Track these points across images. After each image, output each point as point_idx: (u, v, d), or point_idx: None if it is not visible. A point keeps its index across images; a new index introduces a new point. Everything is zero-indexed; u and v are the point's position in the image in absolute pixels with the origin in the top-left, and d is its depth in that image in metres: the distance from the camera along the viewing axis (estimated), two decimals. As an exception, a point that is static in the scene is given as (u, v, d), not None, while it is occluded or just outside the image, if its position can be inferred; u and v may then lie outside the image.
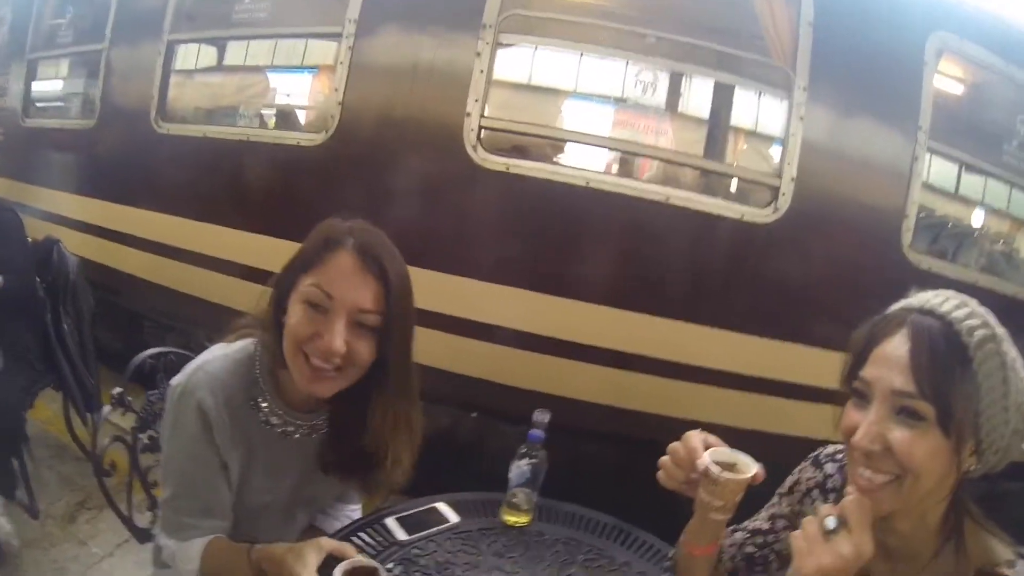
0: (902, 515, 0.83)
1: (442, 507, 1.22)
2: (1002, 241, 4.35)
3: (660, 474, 0.96)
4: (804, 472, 1.06)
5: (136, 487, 1.36)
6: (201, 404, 0.97)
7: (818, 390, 2.09)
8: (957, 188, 4.68)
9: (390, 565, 1.04)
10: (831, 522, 0.78)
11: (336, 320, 0.92)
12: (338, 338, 0.91)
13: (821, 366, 2.08)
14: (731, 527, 1.09)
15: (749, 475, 0.88)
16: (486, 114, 2.02)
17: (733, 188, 2.44)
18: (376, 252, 0.94)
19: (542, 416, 1.18)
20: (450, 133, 1.99)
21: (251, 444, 1.04)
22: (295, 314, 0.94)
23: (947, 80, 2.62)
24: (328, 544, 0.93)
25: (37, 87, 3.75)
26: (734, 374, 2.12)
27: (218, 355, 1.04)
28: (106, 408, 1.33)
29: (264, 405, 1.03)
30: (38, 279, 2.25)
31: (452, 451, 1.82)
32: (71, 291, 2.28)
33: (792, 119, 2.11)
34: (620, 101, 2.45)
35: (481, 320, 2.06)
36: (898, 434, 0.77)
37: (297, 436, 1.07)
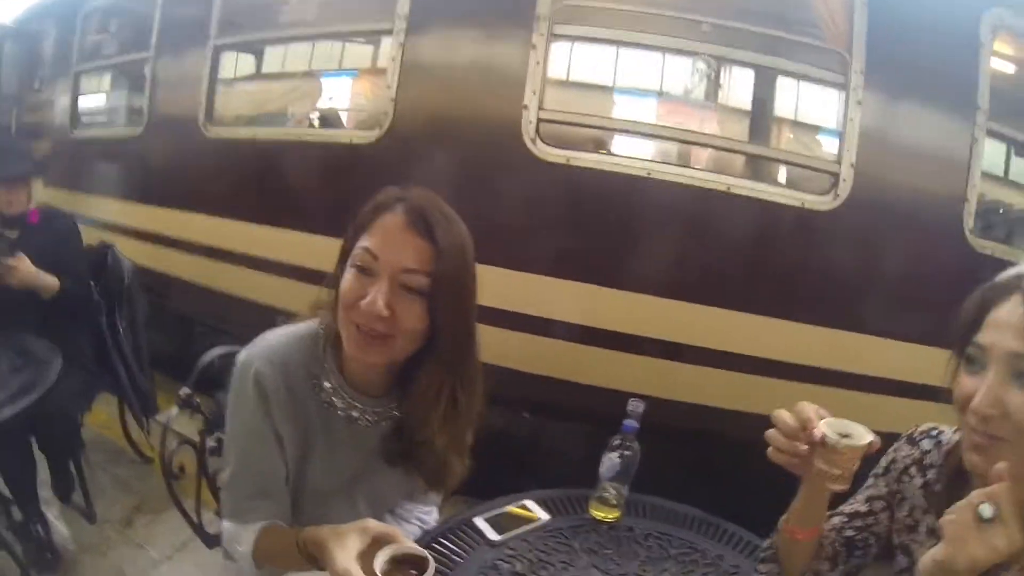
0: (1014, 478, 0.80)
1: (531, 504, 1.20)
2: None
3: (770, 450, 0.93)
4: (900, 451, 1.06)
5: (204, 491, 1.34)
6: (258, 375, 0.96)
7: (881, 380, 2.05)
8: (1007, 171, 4.59)
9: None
10: (987, 510, 0.73)
11: (381, 281, 0.88)
12: (380, 298, 0.87)
13: (884, 356, 2.10)
14: (828, 511, 1.07)
15: (867, 442, 0.87)
16: (543, 107, 1.99)
17: (782, 178, 2.39)
18: (425, 213, 0.91)
19: (636, 406, 1.15)
20: (508, 127, 1.97)
21: (310, 423, 1.01)
22: (345, 280, 0.92)
23: (1001, 59, 2.54)
24: (374, 527, 0.87)
25: (83, 100, 3.83)
26: (796, 365, 2.07)
27: (280, 331, 1.03)
28: (173, 410, 1.31)
29: (327, 385, 1.01)
30: (93, 283, 2.27)
31: (507, 452, 1.79)
32: (126, 295, 2.30)
33: (850, 104, 2.06)
34: (665, 94, 2.43)
35: (542, 315, 2.03)
36: (1017, 398, 0.78)
37: (361, 422, 1.03)
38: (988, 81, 2.12)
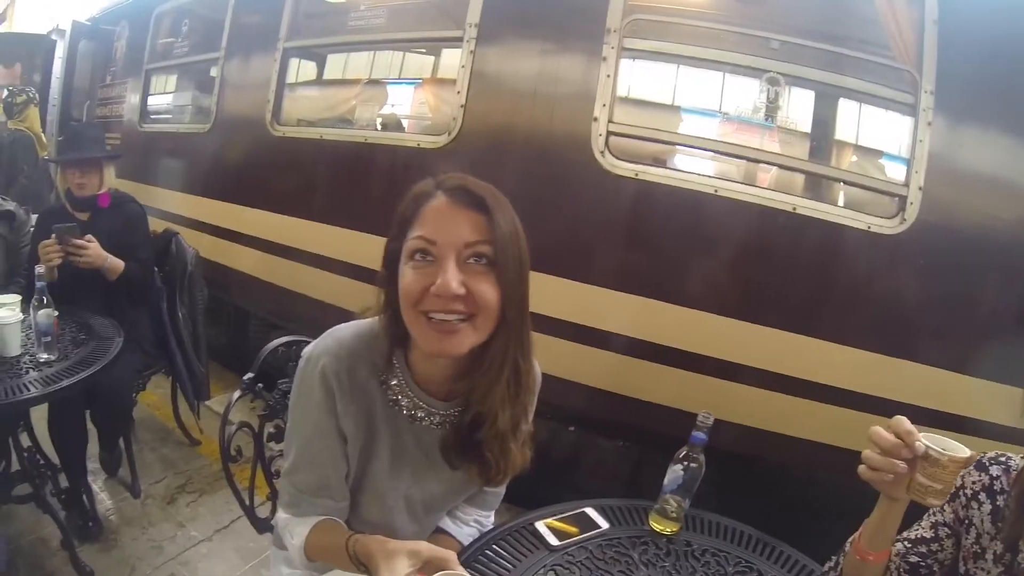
0: None
1: (591, 512, 1.18)
2: None
3: (862, 468, 0.91)
4: (968, 476, 1.04)
5: (260, 478, 1.35)
6: (324, 368, 0.95)
7: (944, 415, 1.95)
8: None
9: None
10: None
11: (446, 262, 0.86)
12: (452, 278, 0.85)
13: (948, 389, 1.99)
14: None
15: (968, 454, 0.85)
16: (612, 120, 1.99)
17: (841, 201, 2.33)
18: (468, 188, 0.89)
19: (706, 418, 1.12)
20: (577, 138, 1.97)
21: (374, 422, 1.00)
22: (406, 275, 0.89)
23: None
24: (427, 551, 0.84)
25: (152, 98, 4.00)
26: (857, 393, 1.99)
27: (349, 325, 1.01)
28: (235, 393, 1.32)
29: (394, 383, 0.99)
30: (156, 269, 2.35)
31: (551, 465, 1.77)
32: (188, 282, 2.37)
33: (919, 124, 2.00)
34: (728, 113, 2.40)
35: (603, 328, 2.02)
36: None
37: (425, 422, 1.02)
38: None
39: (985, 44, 2.03)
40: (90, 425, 2.05)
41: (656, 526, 1.18)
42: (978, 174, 2.06)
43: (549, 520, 1.13)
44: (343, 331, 1.00)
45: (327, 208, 2.58)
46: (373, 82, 2.91)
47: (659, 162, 2.12)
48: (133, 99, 4.02)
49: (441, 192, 0.90)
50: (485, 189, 0.90)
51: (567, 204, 2.06)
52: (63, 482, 1.98)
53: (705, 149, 2.14)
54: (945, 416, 1.97)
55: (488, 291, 0.88)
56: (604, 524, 1.16)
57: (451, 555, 0.84)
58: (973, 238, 2.05)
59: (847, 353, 2.03)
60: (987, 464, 1.03)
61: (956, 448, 0.85)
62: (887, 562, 1.03)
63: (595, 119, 1.98)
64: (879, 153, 2.55)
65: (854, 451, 0.94)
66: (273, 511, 1.36)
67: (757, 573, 1.14)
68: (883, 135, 2.52)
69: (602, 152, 1.93)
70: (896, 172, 2.15)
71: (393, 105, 2.86)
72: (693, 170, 2.05)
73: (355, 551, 0.89)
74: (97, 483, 2.23)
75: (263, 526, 1.36)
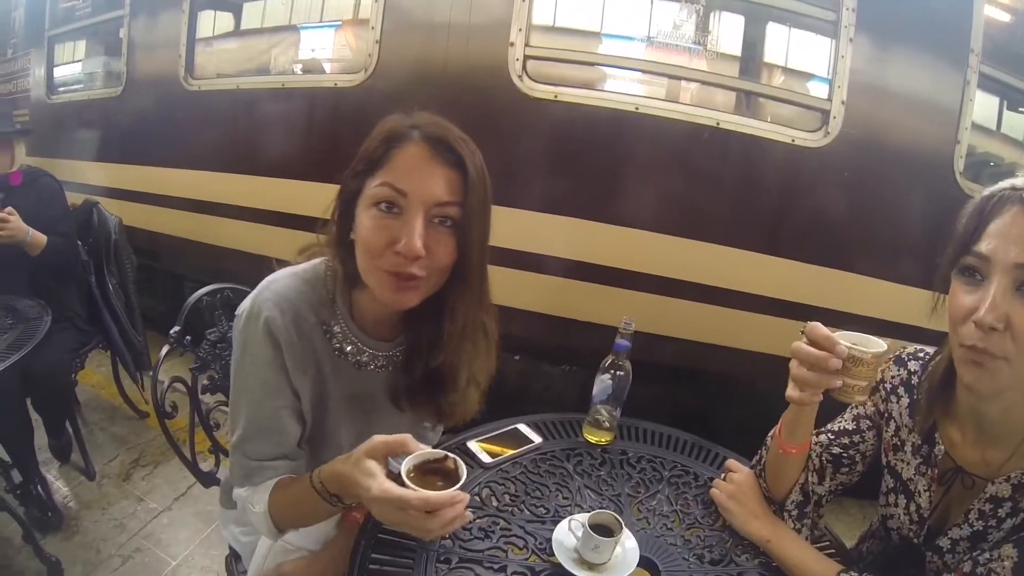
0: (1007, 392, 0.83)
1: (524, 428, 1.20)
2: None
3: (790, 391, 0.92)
4: (888, 371, 1.06)
5: (199, 432, 1.33)
6: (269, 323, 0.88)
7: (867, 319, 2.04)
8: (999, 125, 4.60)
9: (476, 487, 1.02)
10: None
11: (413, 218, 0.81)
12: (417, 238, 0.81)
13: (871, 295, 2.09)
14: (816, 430, 1.09)
15: (886, 346, 0.86)
16: (529, 44, 1.96)
17: (767, 117, 2.37)
18: (448, 140, 0.84)
19: (628, 324, 1.13)
20: (494, 64, 1.93)
21: (323, 373, 0.95)
22: (366, 222, 0.83)
23: (995, 7, 2.50)
24: (382, 443, 0.81)
25: (60, 68, 3.73)
26: (783, 301, 2.06)
27: (286, 274, 0.95)
28: (164, 349, 1.28)
29: (337, 330, 0.95)
30: (80, 242, 2.25)
31: (498, 396, 1.80)
32: (113, 251, 2.27)
33: (841, 41, 2.03)
34: (654, 38, 2.38)
35: (533, 251, 2.03)
36: (1020, 310, 0.76)
37: (372, 368, 0.98)
38: (983, 22, 2.08)
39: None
40: (34, 414, 1.98)
41: (590, 437, 1.20)
42: (899, 89, 2.12)
43: (482, 439, 1.14)
44: (280, 281, 0.93)
45: (250, 158, 2.48)
46: (292, 28, 2.78)
47: (583, 85, 2.10)
48: (38, 71, 3.74)
49: (420, 134, 0.84)
50: (465, 145, 0.85)
51: (488, 131, 1.97)
52: (16, 477, 1.92)
53: (626, 68, 2.13)
54: (868, 320, 2.06)
55: (448, 255, 0.85)
56: (537, 439, 1.17)
57: (407, 437, 0.83)
58: (895, 150, 2.13)
59: (778, 264, 2.08)
60: (906, 359, 1.06)
61: (874, 343, 0.86)
62: (807, 453, 1.06)
63: (511, 44, 1.94)
64: (804, 71, 2.59)
65: (786, 357, 0.96)
66: (216, 465, 1.36)
67: (693, 475, 1.18)
68: (807, 53, 2.56)
69: (520, 76, 1.90)
70: (820, 88, 2.19)
71: (314, 50, 2.74)
72: (613, 89, 2.03)
73: (321, 482, 0.85)
74: (51, 472, 2.17)
75: (208, 479, 1.35)
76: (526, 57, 1.90)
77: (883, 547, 1.13)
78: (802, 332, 0.89)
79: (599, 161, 1.99)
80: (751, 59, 2.40)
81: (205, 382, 1.31)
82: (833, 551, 1.07)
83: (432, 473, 0.82)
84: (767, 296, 2.07)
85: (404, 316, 0.96)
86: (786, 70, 2.92)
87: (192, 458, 1.32)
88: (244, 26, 3.05)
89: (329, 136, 2.20)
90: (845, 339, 0.85)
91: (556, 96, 1.93)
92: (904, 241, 2.06)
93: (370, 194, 0.83)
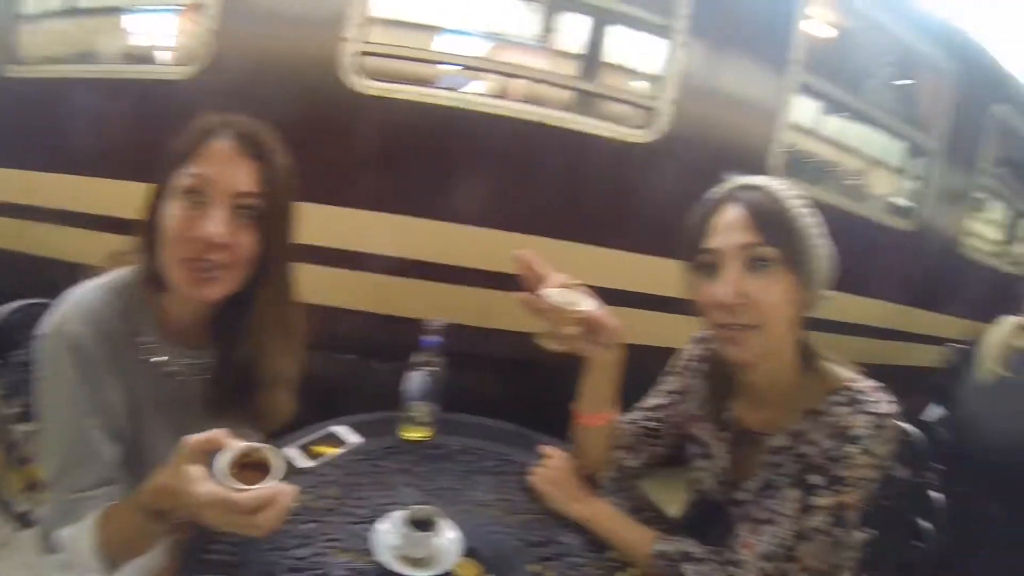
0: (766, 359, 0.97)
1: (341, 430, 1.16)
2: (859, 176, 4.99)
3: (544, 341, 1.03)
4: (687, 349, 1.21)
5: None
6: (74, 340, 0.85)
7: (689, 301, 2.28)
8: (819, 127, 5.29)
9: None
10: None
11: (215, 208, 0.85)
12: (218, 224, 0.84)
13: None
14: (627, 411, 1.20)
15: (590, 308, 0.99)
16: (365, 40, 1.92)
17: (599, 114, 2.51)
18: (256, 136, 0.89)
19: (433, 322, 1.17)
20: (329, 59, 1.88)
21: (134, 386, 0.92)
22: (170, 213, 0.86)
23: (817, 23, 2.81)
24: (197, 443, 0.78)
25: None
26: (613, 290, 2.20)
27: (88, 287, 0.92)
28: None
29: (147, 340, 0.93)
30: None
31: (326, 396, 1.79)
32: None
33: (674, 44, 2.20)
34: (494, 36, 2.45)
35: (367, 250, 2.01)
36: (754, 283, 0.91)
37: (183, 376, 0.97)
38: (802, 38, 2.34)
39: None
40: None
41: (408, 434, 1.23)
42: (725, 90, 2.33)
43: (298, 444, 1.10)
44: (83, 292, 0.90)
45: (73, 156, 2.24)
46: (119, 11, 2.54)
47: (419, 82, 2.12)
48: None
49: (229, 133, 0.88)
50: (269, 141, 0.91)
51: (320, 127, 1.98)
52: None
53: (462, 66, 2.18)
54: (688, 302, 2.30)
55: (250, 245, 0.89)
56: (355, 440, 1.15)
57: (218, 432, 0.80)
58: (718, 146, 2.33)
59: (607, 254, 2.23)
60: (703, 339, 1.18)
61: (573, 298, 1.00)
62: (609, 427, 1.15)
63: (345, 39, 1.89)
64: (637, 71, 2.80)
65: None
66: (30, 499, 1.21)
67: (514, 464, 1.22)
68: (641, 54, 2.77)
69: (355, 73, 1.87)
70: (651, 88, 2.36)
71: (145, 36, 2.53)
72: (448, 86, 2.07)
73: (147, 501, 0.80)
74: None
75: (25, 520, 1.19)
76: (362, 53, 1.88)
77: (696, 510, 1.23)
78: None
79: (433, 158, 2.01)
80: (590, 58, 2.55)
81: (17, 410, 1.17)
82: (653, 519, 1.16)
83: (250, 468, 0.80)
84: (596, 286, 2.18)
85: (212, 320, 0.96)
86: (621, 69, 3.13)
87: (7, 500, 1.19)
88: (73, 5, 2.75)
89: (156, 132, 2.03)
90: (561, 295, 1.00)
91: (390, 94, 1.92)
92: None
93: (175, 186, 0.86)
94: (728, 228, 0.94)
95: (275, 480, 0.78)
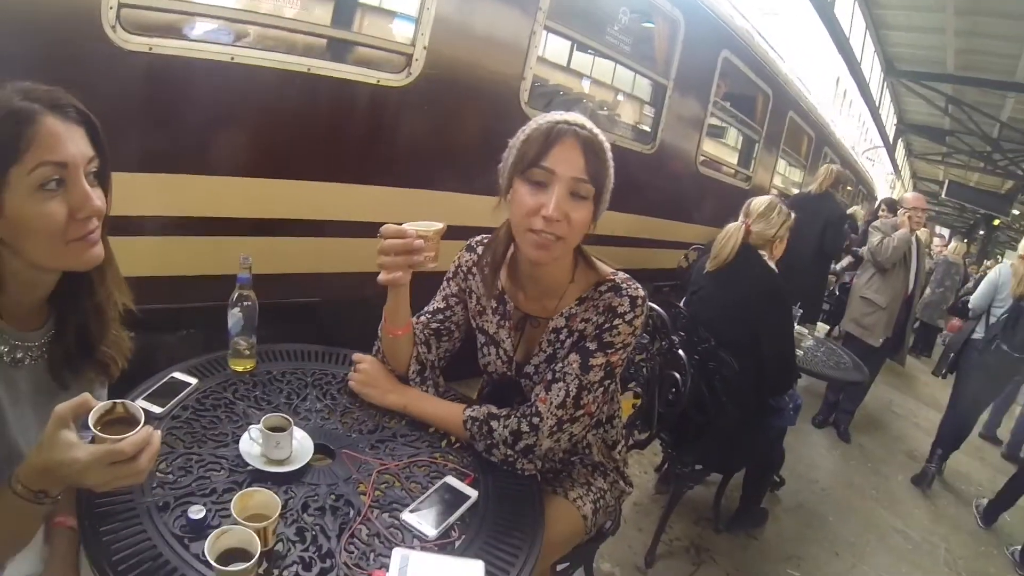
0: (556, 261, 1.19)
1: (179, 375, 1.27)
2: (605, 107, 5.77)
3: (382, 276, 1.20)
4: (462, 257, 1.39)
5: None
6: None
7: (451, 228, 2.56)
8: (569, 63, 5.96)
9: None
10: None
11: (79, 184, 0.88)
12: (94, 199, 0.89)
13: (452, 207, 2.55)
14: (415, 314, 1.39)
15: (443, 225, 1.20)
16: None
17: (356, 60, 2.55)
18: (69, 102, 0.89)
19: (246, 260, 1.28)
20: (86, 12, 1.68)
21: None
22: (35, 209, 0.85)
23: None
24: (66, 408, 0.79)
25: None
26: (380, 223, 2.41)
27: None
28: None
29: None
30: None
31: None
32: None
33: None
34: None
35: (136, 214, 1.88)
36: (573, 208, 1.11)
37: (29, 360, 0.97)
38: None
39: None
40: None
41: (235, 367, 1.35)
42: (475, 36, 2.57)
43: (145, 396, 1.19)
44: None
45: None
46: None
47: (179, 34, 2.01)
48: None
49: (44, 108, 0.84)
50: (77, 100, 0.90)
51: (81, 87, 1.77)
52: None
53: (223, 18, 2.12)
54: (451, 228, 2.61)
55: (107, 204, 0.93)
56: (193, 380, 1.27)
57: (85, 395, 0.82)
58: (470, 86, 2.62)
59: (371, 191, 2.42)
60: (475, 246, 1.38)
61: (434, 225, 1.18)
62: (412, 333, 1.36)
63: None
64: (396, 17, 2.90)
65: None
66: None
67: (332, 375, 1.42)
68: (384, 5, 2.85)
69: (113, 27, 1.73)
70: (407, 35, 2.49)
71: None
72: (210, 39, 2.02)
73: (20, 483, 0.79)
74: None
75: None
76: (120, 5, 1.72)
77: (491, 388, 1.47)
78: (379, 235, 1.17)
79: (196, 113, 1.97)
80: (345, 5, 2.59)
81: None
82: (456, 399, 1.39)
83: (113, 424, 0.83)
84: (366, 221, 2.36)
85: (47, 296, 0.99)
86: (378, 11, 3.17)
87: None
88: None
89: None
90: (412, 226, 1.18)
91: (151, 48, 1.82)
92: (477, 160, 2.44)
93: (28, 182, 0.83)
94: (567, 160, 1.09)
95: (145, 427, 0.82)
